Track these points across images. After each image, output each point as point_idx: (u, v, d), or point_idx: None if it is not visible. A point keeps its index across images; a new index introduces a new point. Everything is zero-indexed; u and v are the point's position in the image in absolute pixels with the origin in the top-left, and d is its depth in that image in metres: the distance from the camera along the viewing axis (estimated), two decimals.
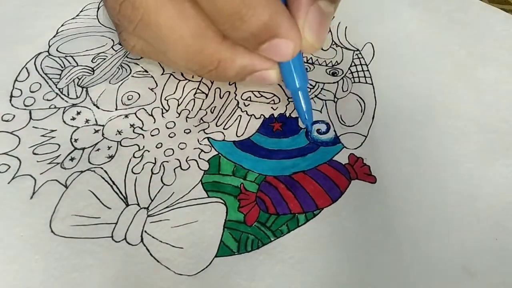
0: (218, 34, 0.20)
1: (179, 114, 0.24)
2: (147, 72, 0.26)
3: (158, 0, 0.19)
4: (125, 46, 0.22)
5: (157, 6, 0.19)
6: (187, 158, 0.22)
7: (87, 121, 0.24)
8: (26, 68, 0.26)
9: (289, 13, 0.19)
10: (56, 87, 0.25)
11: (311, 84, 0.26)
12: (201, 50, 0.20)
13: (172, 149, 0.23)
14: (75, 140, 0.23)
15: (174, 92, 0.25)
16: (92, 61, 0.26)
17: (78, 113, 0.24)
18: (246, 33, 0.18)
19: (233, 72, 0.21)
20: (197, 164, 0.22)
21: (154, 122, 0.24)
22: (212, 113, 0.24)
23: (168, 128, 0.24)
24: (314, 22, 0.19)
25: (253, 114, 0.24)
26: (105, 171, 0.22)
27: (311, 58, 0.27)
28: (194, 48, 0.20)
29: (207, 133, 0.23)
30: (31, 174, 0.21)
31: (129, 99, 0.25)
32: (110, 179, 0.21)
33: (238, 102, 0.25)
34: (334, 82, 0.26)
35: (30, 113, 0.24)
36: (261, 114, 0.24)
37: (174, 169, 0.22)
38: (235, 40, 0.20)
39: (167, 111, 0.24)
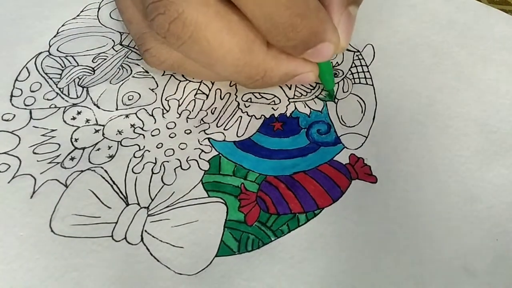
0: (264, 45, 0.20)
1: (180, 114, 0.24)
2: (147, 72, 0.26)
3: (208, 17, 0.19)
4: (151, 63, 0.22)
5: (207, 22, 0.19)
6: (188, 158, 0.22)
7: (87, 120, 0.24)
8: (27, 67, 0.26)
9: (330, 16, 0.20)
10: (57, 87, 0.25)
11: (311, 85, 0.26)
12: (249, 63, 0.20)
13: (173, 149, 0.23)
14: (76, 140, 0.23)
15: (175, 93, 0.25)
16: (92, 61, 0.26)
17: (79, 112, 0.24)
18: (297, 41, 0.20)
19: (277, 79, 0.22)
20: (198, 164, 0.22)
21: (155, 123, 0.24)
22: (213, 114, 0.24)
23: (168, 128, 0.24)
24: (345, 26, 0.21)
25: (253, 115, 0.24)
26: (105, 170, 0.22)
27: None
28: (243, 61, 0.20)
29: (207, 134, 0.23)
30: (31, 174, 0.21)
31: (129, 99, 0.25)
32: (111, 178, 0.21)
33: (238, 103, 0.25)
34: (334, 83, 0.26)
35: (30, 112, 0.24)
36: (262, 115, 0.24)
37: (175, 169, 0.22)
38: (284, 49, 0.21)
39: (167, 111, 0.24)
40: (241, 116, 0.24)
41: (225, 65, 0.20)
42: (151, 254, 0.19)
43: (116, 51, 0.27)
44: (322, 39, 0.20)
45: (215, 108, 0.24)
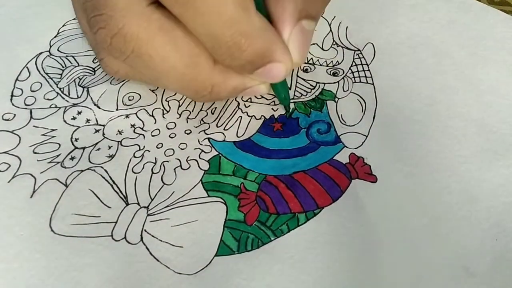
0: (210, 60, 0.20)
1: (180, 115, 0.24)
2: None
3: (149, 32, 0.18)
4: (107, 71, 0.22)
5: (148, 38, 0.19)
6: (188, 158, 0.22)
7: (87, 120, 0.24)
8: (27, 67, 0.26)
9: (281, 37, 0.20)
10: (57, 87, 0.25)
11: (311, 85, 0.26)
12: (195, 78, 0.20)
13: (173, 149, 0.23)
14: (76, 140, 0.23)
15: (175, 93, 0.25)
16: (93, 61, 0.26)
17: (79, 112, 0.24)
18: (243, 61, 0.19)
19: (225, 93, 0.21)
20: (198, 164, 0.22)
21: (155, 123, 0.24)
22: (213, 114, 0.24)
23: (168, 128, 0.24)
24: (297, 42, 0.20)
25: (253, 115, 0.24)
26: (105, 170, 0.22)
27: (311, 58, 0.27)
28: (188, 76, 0.20)
29: (207, 134, 0.23)
30: (31, 173, 0.21)
31: (130, 100, 0.25)
32: (111, 178, 0.21)
33: (238, 103, 0.25)
34: (335, 82, 0.26)
35: (30, 112, 0.24)
36: (262, 115, 0.24)
37: (175, 169, 0.22)
38: (231, 68, 0.20)
39: (167, 112, 0.24)
40: (241, 117, 0.24)
41: (169, 80, 0.20)
42: (151, 254, 0.19)
43: None
44: (271, 59, 0.19)
45: (215, 108, 0.24)
